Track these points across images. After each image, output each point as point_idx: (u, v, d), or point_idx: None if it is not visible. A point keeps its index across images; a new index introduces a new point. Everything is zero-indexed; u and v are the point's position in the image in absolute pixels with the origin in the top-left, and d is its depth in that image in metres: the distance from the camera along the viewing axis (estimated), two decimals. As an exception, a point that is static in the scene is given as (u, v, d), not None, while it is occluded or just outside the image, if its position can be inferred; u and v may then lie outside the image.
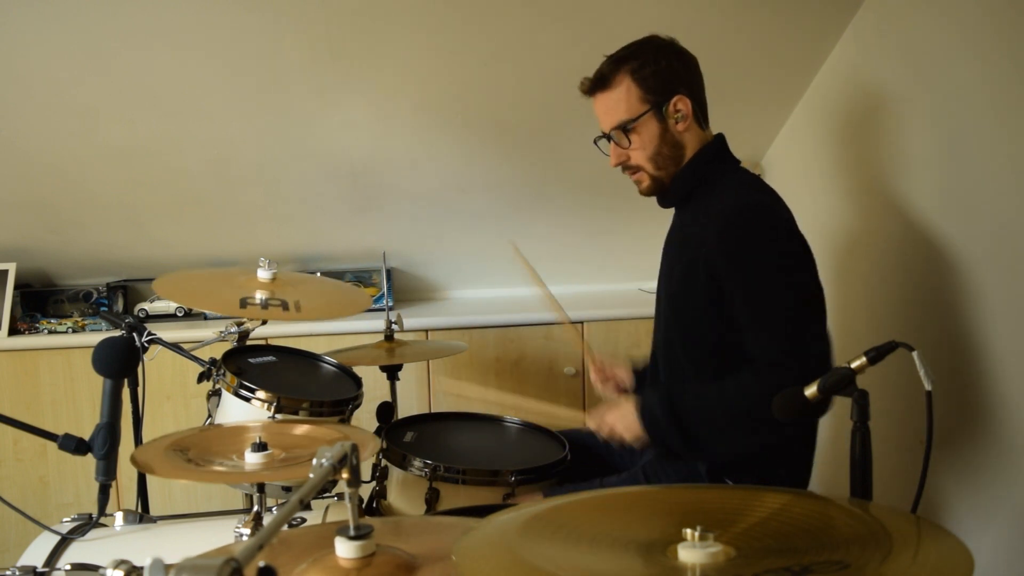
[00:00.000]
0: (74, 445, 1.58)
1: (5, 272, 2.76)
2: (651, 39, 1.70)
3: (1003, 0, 1.69)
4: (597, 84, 1.70)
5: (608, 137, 1.71)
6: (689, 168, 1.69)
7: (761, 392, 1.46)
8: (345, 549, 0.94)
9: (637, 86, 1.65)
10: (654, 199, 1.78)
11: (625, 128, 1.67)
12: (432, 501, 1.70)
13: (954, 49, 1.83)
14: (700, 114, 1.69)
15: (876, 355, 1.33)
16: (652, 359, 1.86)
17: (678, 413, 1.57)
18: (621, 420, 1.64)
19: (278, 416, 1.71)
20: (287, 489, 1.78)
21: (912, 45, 1.98)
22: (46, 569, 1.51)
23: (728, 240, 1.56)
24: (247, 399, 1.74)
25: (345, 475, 0.91)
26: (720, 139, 1.73)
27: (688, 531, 0.85)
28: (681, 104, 1.66)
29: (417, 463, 1.73)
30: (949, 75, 1.85)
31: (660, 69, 1.66)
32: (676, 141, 1.68)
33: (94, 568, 1.43)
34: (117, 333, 1.79)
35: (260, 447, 1.41)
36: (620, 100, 1.67)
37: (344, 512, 0.95)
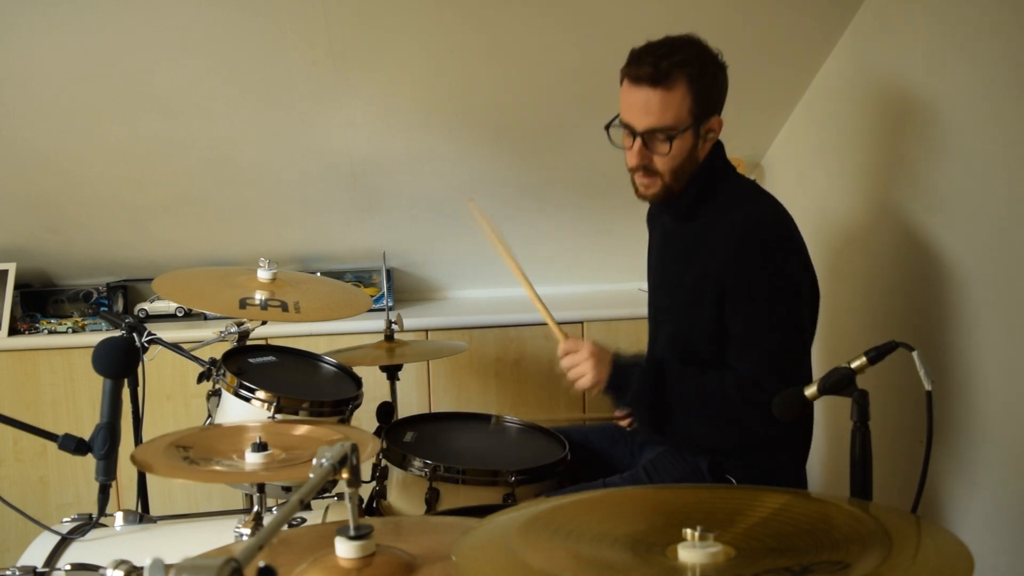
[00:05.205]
0: (74, 445, 1.58)
1: (5, 272, 2.76)
2: (700, 43, 1.61)
3: (1001, 2, 1.69)
4: (655, 78, 1.56)
5: (636, 134, 1.60)
6: (698, 180, 1.66)
7: (738, 401, 1.55)
8: (345, 549, 0.94)
9: (691, 97, 1.57)
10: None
11: (670, 136, 1.58)
12: (432, 501, 1.70)
13: (953, 50, 1.83)
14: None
15: (876, 355, 1.34)
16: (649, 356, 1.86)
17: (656, 381, 1.60)
18: (597, 361, 1.63)
19: (278, 416, 1.71)
20: (287, 489, 1.78)
21: (912, 45, 1.98)
22: (46, 569, 1.51)
23: (742, 254, 1.59)
24: (247, 399, 1.74)
25: (345, 475, 0.91)
26: (720, 147, 1.70)
27: (688, 531, 0.85)
28: (716, 125, 1.63)
29: (417, 463, 1.73)
30: (948, 75, 1.85)
31: (713, 85, 1.61)
32: (697, 158, 1.64)
33: (94, 568, 1.43)
34: (117, 333, 1.79)
35: (260, 447, 1.41)
36: (671, 105, 1.57)
37: (344, 512, 0.95)
